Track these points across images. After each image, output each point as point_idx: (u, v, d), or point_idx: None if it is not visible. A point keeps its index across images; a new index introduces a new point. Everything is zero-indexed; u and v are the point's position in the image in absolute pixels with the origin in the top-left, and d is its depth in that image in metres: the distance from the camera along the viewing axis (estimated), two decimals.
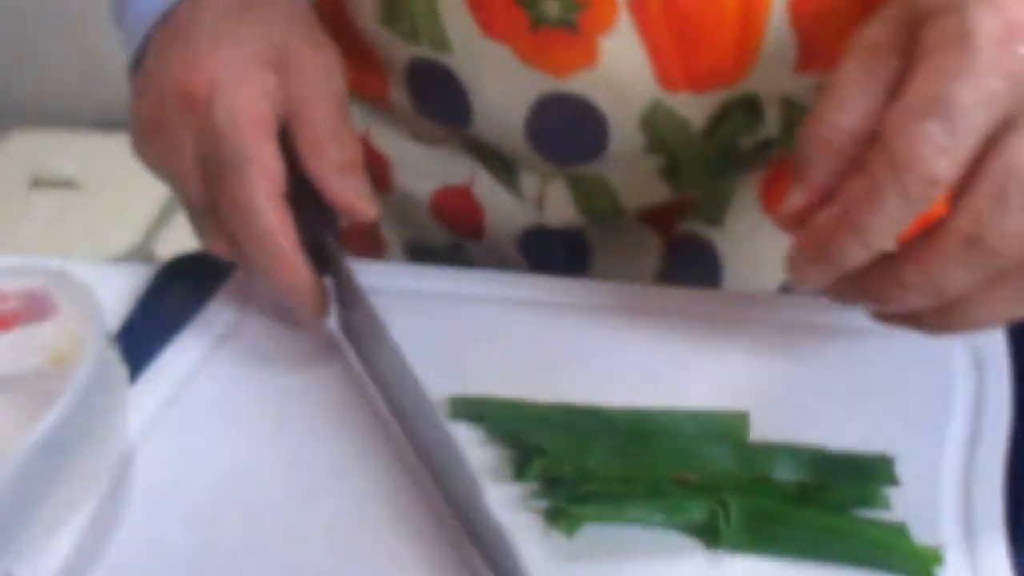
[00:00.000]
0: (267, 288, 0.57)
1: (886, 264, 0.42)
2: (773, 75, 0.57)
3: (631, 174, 0.63)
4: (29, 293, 0.49)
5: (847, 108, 0.41)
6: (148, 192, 2.00)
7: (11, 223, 1.97)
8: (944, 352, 0.53)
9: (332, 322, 0.56)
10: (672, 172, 0.62)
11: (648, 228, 0.67)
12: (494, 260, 0.70)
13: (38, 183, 2.04)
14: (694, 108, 0.58)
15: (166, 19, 0.56)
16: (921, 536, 0.45)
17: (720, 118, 0.59)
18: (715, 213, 0.66)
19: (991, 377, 0.52)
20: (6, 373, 0.50)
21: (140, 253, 1.87)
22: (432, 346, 0.55)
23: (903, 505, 0.46)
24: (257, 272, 0.53)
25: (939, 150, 0.37)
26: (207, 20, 0.53)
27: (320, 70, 0.53)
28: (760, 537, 0.45)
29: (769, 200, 0.66)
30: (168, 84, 0.51)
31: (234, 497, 0.49)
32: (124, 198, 1.99)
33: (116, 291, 0.62)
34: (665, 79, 0.57)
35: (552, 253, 0.68)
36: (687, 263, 0.68)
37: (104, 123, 2.20)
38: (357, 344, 0.54)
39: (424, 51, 0.62)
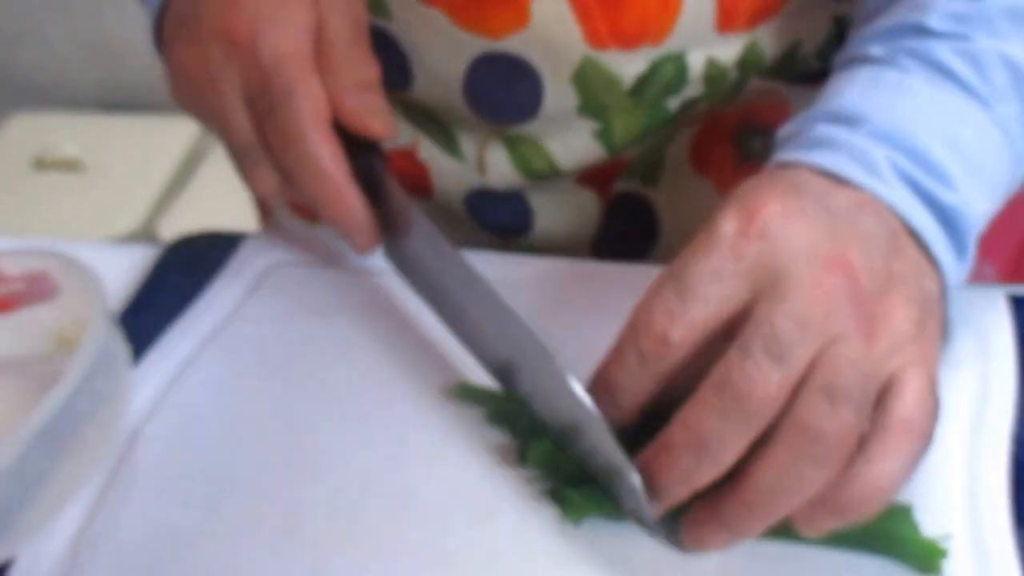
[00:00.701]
0: (303, 231, 0.57)
1: (658, 439, 0.43)
2: (696, 33, 0.59)
3: (566, 135, 0.64)
4: (32, 275, 0.50)
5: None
6: (151, 173, 2.01)
7: (14, 205, 1.97)
8: (948, 341, 0.52)
9: (379, 252, 0.55)
10: (605, 133, 0.64)
11: (587, 189, 0.69)
12: (444, 220, 0.72)
13: (41, 165, 2.05)
14: (622, 65, 0.60)
15: None
16: (927, 522, 0.45)
17: (648, 76, 0.61)
18: (649, 173, 0.68)
19: (995, 365, 0.52)
20: (9, 355, 0.50)
21: (144, 235, 1.88)
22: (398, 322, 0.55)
23: (909, 494, 0.46)
24: (309, 201, 0.53)
25: (668, 313, 0.42)
26: None
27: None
28: None
29: (698, 159, 0.68)
30: (208, 28, 0.52)
31: (235, 479, 0.49)
32: (127, 180, 1.99)
33: (119, 273, 0.62)
34: (593, 37, 0.59)
35: (497, 214, 0.70)
36: (626, 222, 0.70)
37: (107, 104, 2.20)
38: (408, 269, 0.54)
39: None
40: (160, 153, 2.06)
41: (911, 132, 0.46)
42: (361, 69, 0.53)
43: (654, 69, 0.60)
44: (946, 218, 0.45)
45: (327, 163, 0.51)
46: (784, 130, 0.49)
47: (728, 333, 0.42)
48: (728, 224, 0.43)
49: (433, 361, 0.55)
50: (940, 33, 0.48)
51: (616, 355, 0.44)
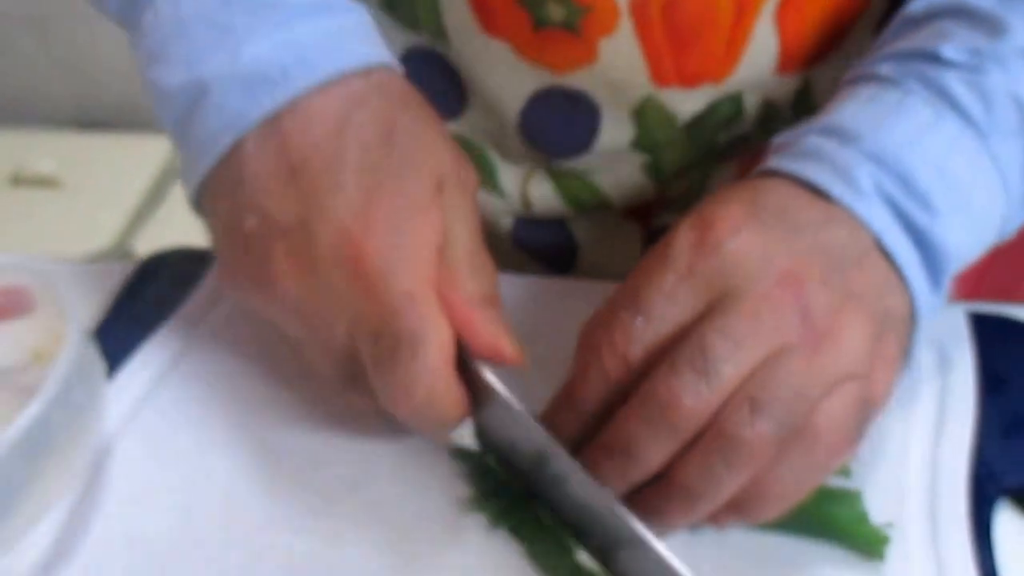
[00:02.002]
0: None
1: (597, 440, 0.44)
2: (755, 74, 0.59)
3: (614, 169, 0.64)
4: (8, 290, 0.50)
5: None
6: (127, 190, 2.00)
7: None
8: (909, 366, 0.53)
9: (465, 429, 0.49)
10: (654, 168, 0.64)
11: (630, 222, 0.69)
12: (491, 251, 0.71)
13: (17, 181, 2.04)
14: (682, 103, 0.60)
15: (269, 131, 0.46)
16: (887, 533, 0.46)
17: (705, 113, 0.61)
18: (692, 205, 0.67)
19: (955, 382, 0.53)
20: None
21: (119, 251, 1.87)
22: None
23: (869, 506, 0.47)
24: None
25: (626, 334, 0.43)
26: (352, 144, 0.45)
27: (464, 188, 0.48)
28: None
29: None
30: (329, 249, 0.44)
31: (210, 491, 0.49)
32: (103, 196, 1.98)
33: (95, 288, 0.62)
34: (658, 75, 0.59)
35: (543, 242, 0.70)
36: None
37: (84, 122, 2.20)
38: (495, 443, 0.49)
39: (423, 40, 0.63)
40: (135, 170, 2.06)
41: (900, 154, 0.45)
42: (484, 280, 0.47)
43: (711, 109, 0.61)
44: (923, 244, 0.45)
45: (452, 413, 0.46)
46: (778, 138, 0.50)
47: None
48: (684, 237, 0.44)
49: None
50: (953, 63, 0.48)
51: (579, 368, 0.45)
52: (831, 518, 0.46)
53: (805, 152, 0.47)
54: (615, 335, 0.43)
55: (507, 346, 0.46)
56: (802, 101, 0.62)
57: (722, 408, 0.41)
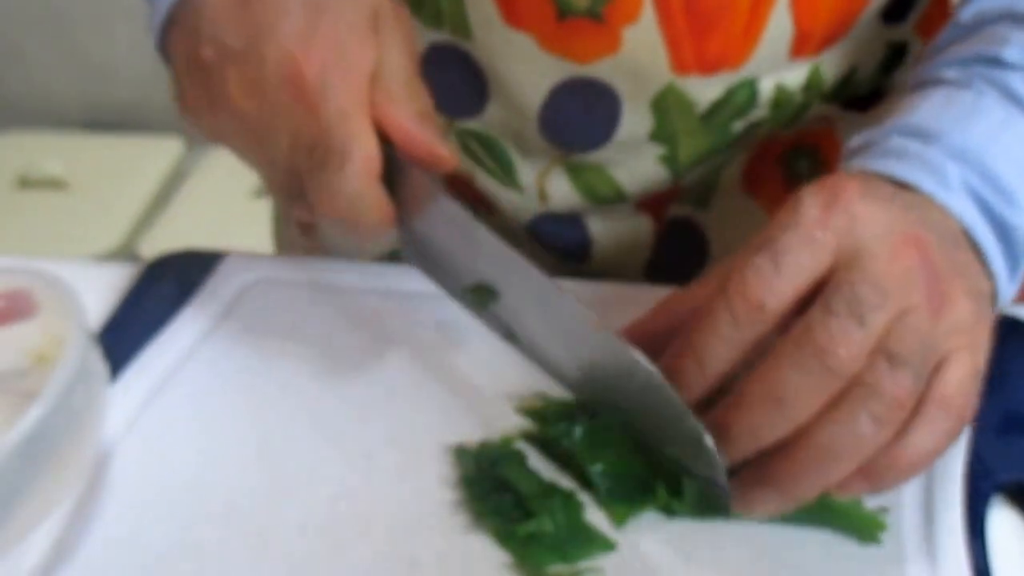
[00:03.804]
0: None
1: (731, 397, 0.45)
2: (771, 59, 0.61)
3: (631, 161, 0.65)
4: (11, 293, 0.50)
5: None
6: (133, 192, 2.01)
7: None
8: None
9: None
10: (670, 159, 0.65)
11: (643, 214, 0.70)
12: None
13: (25, 183, 2.05)
14: (701, 90, 0.61)
15: None
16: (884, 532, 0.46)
17: (722, 101, 0.62)
18: (703, 197, 0.70)
19: None
20: None
21: (125, 253, 1.88)
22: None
23: (864, 503, 0.47)
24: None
25: (763, 280, 0.43)
26: None
27: (397, 19, 0.52)
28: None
29: (750, 181, 0.69)
30: (275, 67, 0.49)
31: (210, 495, 0.50)
32: (109, 198, 1.99)
33: (100, 290, 0.62)
34: (678, 63, 0.60)
35: (560, 238, 0.71)
36: (678, 247, 0.71)
37: (91, 124, 2.20)
38: (423, 252, 0.53)
39: (445, 36, 0.63)
40: (143, 171, 2.06)
41: (983, 151, 0.48)
42: (419, 99, 0.51)
43: (728, 95, 0.62)
44: (1006, 236, 0.47)
45: (379, 224, 0.50)
46: (855, 140, 0.51)
47: (798, 306, 0.44)
48: (812, 201, 0.44)
49: (406, 380, 0.56)
50: (1016, 65, 0.50)
51: (708, 322, 0.44)
52: (827, 501, 0.46)
53: (890, 152, 0.48)
54: (750, 282, 0.44)
55: (442, 150, 0.50)
56: (812, 85, 0.63)
57: (866, 361, 0.42)
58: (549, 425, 0.51)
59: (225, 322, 0.60)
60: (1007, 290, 0.48)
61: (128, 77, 2.17)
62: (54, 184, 2.03)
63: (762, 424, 0.43)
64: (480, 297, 0.52)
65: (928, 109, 0.50)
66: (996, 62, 0.51)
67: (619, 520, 0.47)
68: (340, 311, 0.60)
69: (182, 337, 0.59)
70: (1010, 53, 0.51)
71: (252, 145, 0.51)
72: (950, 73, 0.52)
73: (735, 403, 0.44)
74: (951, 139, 0.48)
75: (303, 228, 0.53)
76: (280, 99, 0.49)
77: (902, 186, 0.47)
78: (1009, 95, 0.50)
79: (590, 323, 0.47)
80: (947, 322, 0.43)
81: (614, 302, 0.60)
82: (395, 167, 0.51)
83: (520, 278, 0.49)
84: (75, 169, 2.05)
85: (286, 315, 0.60)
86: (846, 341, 0.42)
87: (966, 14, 0.55)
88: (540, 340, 0.51)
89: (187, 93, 0.52)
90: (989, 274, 0.47)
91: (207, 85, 0.51)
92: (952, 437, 0.44)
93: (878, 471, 0.43)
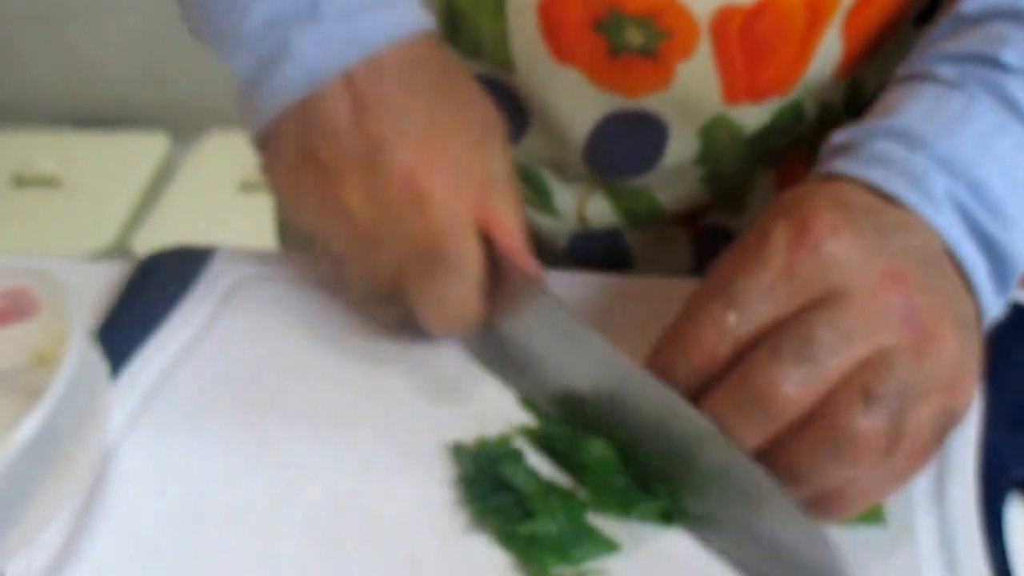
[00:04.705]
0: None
1: None
2: (817, 81, 0.59)
3: (674, 185, 0.64)
4: (11, 292, 0.50)
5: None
6: (126, 189, 2.01)
7: None
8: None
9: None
10: (711, 178, 0.64)
11: (678, 226, 0.69)
12: (546, 262, 0.71)
13: (19, 182, 2.04)
14: (749, 117, 0.60)
15: (345, 80, 0.51)
16: (895, 532, 0.46)
17: (770, 126, 0.61)
18: (738, 204, 0.68)
19: None
20: None
21: (119, 250, 1.88)
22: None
23: None
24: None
25: (718, 329, 0.43)
26: (418, 94, 0.52)
27: (502, 135, 0.54)
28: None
29: (783, 185, 0.68)
30: (400, 174, 0.50)
31: (213, 493, 0.49)
32: (103, 195, 1.99)
33: (96, 288, 0.62)
34: (729, 93, 0.59)
35: (598, 254, 0.70)
36: (714, 253, 0.69)
37: (84, 121, 2.20)
38: (505, 352, 0.54)
39: (484, 68, 0.62)
40: (132, 168, 2.06)
41: (972, 161, 0.45)
42: (521, 213, 0.53)
43: (775, 119, 0.61)
44: (993, 252, 0.46)
45: (473, 325, 0.52)
46: (837, 137, 0.49)
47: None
48: (779, 237, 0.43)
49: (402, 376, 0.55)
50: (1014, 68, 0.48)
51: (663, 361, 0.45)
52: None
53: (873, 156, 0.47)
54: (705, 329, 0.43)
55: (536, 268, 0.52)
56: (854, 99, 0.62)
57: (833, 399, 0.41)
58: (552, 424, 0.51)
59: (221, 319, 0.59)
60: (993, 307, 0.47)
61: (120, 74, 2.17)
62: (48, 182, 2.02)
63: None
64: (567, 407, 0.51)
65: (916, 111, 0.48)
66: (993, 63, 0.48)
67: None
68: (334, 306, 0.60)
69: (178, 335, 0.58)
70: (1009, 55, 0.48)
71: (358, 247, 0.52)
72: (943, 70, 0.49)
73: None
74: (938, 146, 0.46)
75: (385, 324, 0.56)
76: (398, 205, 0.50)
77: (884, 197, 0.45)
78: (1004, 100, 0.47)
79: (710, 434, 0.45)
80: (931, 362, 0.42)
81: (659, 297, 0.58)
82: (493, 266, 0.52)
83: (621, 379, 0.48)
84: (68, 167, 2.04)
85: (281, 310, 0.60)
86: (790, 384, 0.41)
87: (970, 6, 0.52)
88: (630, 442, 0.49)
89: (298, 191, 0.53)
90: (971, 292, 0.45)
91: (323, 185, 0.51)
92: (907, 479, 0.43)
93: (828, 503, 0.43)
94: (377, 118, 0.50)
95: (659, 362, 0.45)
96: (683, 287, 0.58)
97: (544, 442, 0.51)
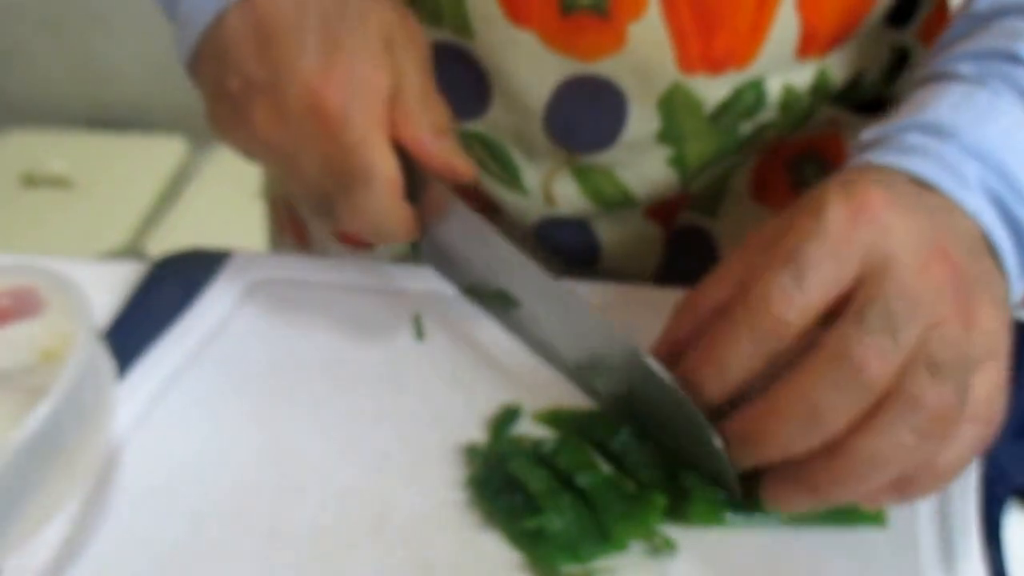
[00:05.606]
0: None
1: (759, 404, 0.44)
2: (778, 59, 0.60)
3: (639, 163, 0.65)
4: (18, 291, 0.50)
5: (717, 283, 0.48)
6: (139, 191, 2.01)
7: (3, 222, 1.97)
8: None
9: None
10: (678, 160, 0.64)
11: (652, 221, 0.69)
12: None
13: (30, 182, 2.05)
14: (709, 90, 0.61)
15: (246, 5, 0.54)
16: (895, 539, 0.46)
17: (729, 102, 0.62)
18: (711, 204, 0.69)
19: None
20: None
21: (131, 251, 1.88)
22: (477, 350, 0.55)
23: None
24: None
25: (787, 297, 0.43)
26: (314, 13, 0.53)
27: (411, 39, 0.55)
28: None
29: (758, 187, 0.69)
30: (298, 98, 0.51)
31: (219, 493, 0.50)
32: (115, 196, 1.99)
33: (107, 289, 0.62)
34: (685, 61, 0.60)
35: (566, 241, 0.70)
36: (686, 252, 0.71)
37: (96, 122, 2.21)
38: (446, 261, 0.57)
39: (446, 35, 0.63)
40: (148, 170, 2.07)
41: (1000, 151, 0.47)
42: (435, 114, 0.54)
43: (736, 95, 0.61)
44: (1020, 237, 0.47)
45: (402, 232, 0.54)
46: (868, 134, 0.51)
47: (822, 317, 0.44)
48: (836, 210, 0.44)
49: (415, 377, 0.55)
50: None
51: (730, 334, 0.45)
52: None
53: (907, 148, 0.48)
54: (772, 296, 0.43)
55: (459, 163, 0.54)
56: (820, 87, 0.63)
57: (898, 374, 0.42)
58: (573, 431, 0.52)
59: (232, 321, 0.60)
60: (1017, 288, 0.48)
61: (133, 77, 2.17)
62: (60, 182, 2.03)
63: (795, 435, 0.43)
64: (500, 303, 0.54)
65: (944, 106, 0.49)
66: (1013, 58, 0.50)
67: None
68: (347, 308, 0.60)
69: (190, 336, 0.58)
70: None
71: (284, 168, 0.54)
72: (965, 68, 0.51)
73: (767, 411, 0.44)
74: (968, 137, 0.47)
75: (339, 236, 0.57)
76: (304, 129, 0.52)
77: (921, 184, 0.47)
78: (1023, 94, 0.49)
79: (603, 326, 0.49)
80: (977, 334, 0.43)
81: (624, 304, 0.60)
82: (417, 179, 0.53)
83: (533, 284, 0.52)
84: (80, 167, 2.05)
85: (293, 314, 0.60)
86: (881, 357, 0.41)
87: (982, 5, 0.54)
88: (559, 345, 0.53)
89: (218, 119, 0.55)
90: (1004, 275, 0.47)
91: (236, 113, 0.53)
92: (980, 448, 0.44)
93: (909, 482, 0.43)
94: (277, 43, 0.52)
95: (727, 332, 0.45)
96: (651, 294, 0.60)
97: (546, 459, 0.50)
